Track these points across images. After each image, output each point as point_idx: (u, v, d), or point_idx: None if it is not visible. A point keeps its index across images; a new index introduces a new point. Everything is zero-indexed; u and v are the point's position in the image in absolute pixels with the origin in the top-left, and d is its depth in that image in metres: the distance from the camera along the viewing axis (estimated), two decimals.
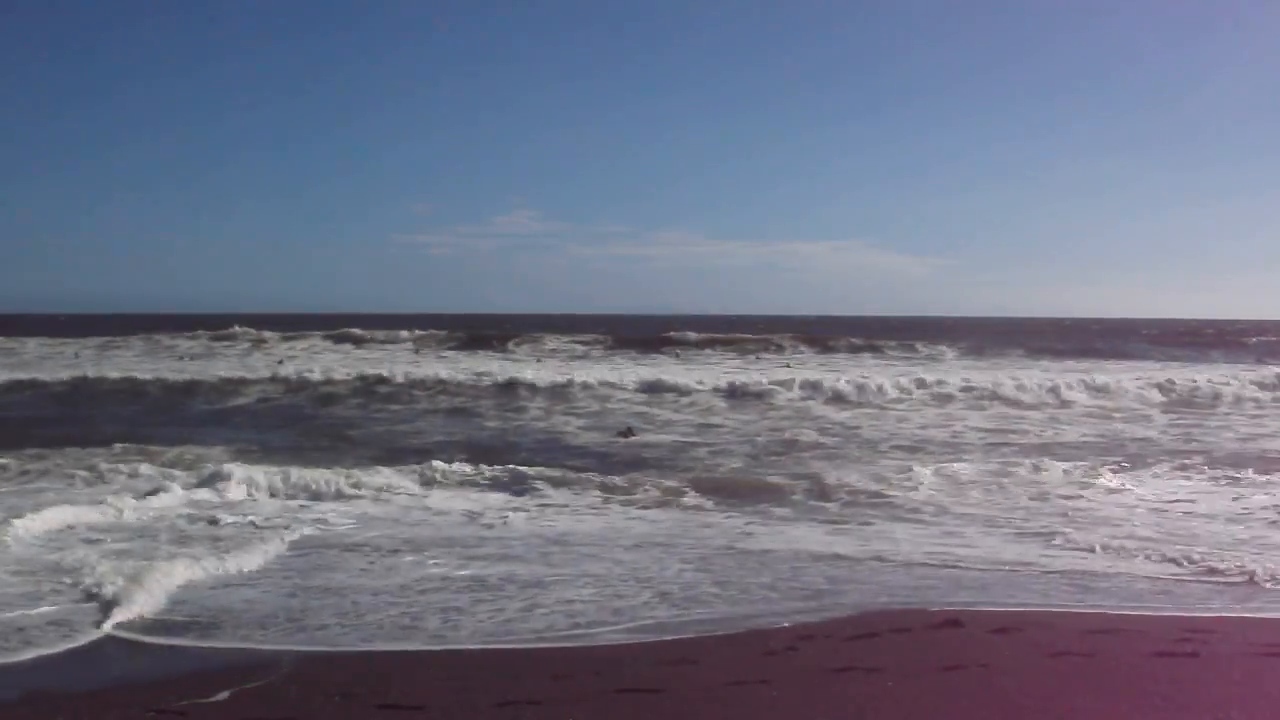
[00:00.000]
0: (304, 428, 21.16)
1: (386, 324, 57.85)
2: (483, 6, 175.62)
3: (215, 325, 52.88)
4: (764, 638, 7.09)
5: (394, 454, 16.58)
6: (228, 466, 13.68)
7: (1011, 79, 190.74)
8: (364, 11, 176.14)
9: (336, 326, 52.13)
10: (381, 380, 27.83)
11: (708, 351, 46.02)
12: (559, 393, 26.10)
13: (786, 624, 7.50)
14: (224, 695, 6.06)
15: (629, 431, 19.20)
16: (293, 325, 53.04)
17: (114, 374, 29.50)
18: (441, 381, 27.63)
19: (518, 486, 13.41)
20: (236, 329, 50.38)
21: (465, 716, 5.68)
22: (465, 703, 5.86)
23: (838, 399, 25.66)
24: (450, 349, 46.62)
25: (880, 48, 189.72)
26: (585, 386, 26.53)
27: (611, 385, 26.66)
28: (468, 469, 14.26)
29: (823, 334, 53.17)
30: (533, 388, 26.62)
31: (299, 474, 13.33)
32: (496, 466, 14.47)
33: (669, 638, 7.23)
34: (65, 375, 29.14)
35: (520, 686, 6.09)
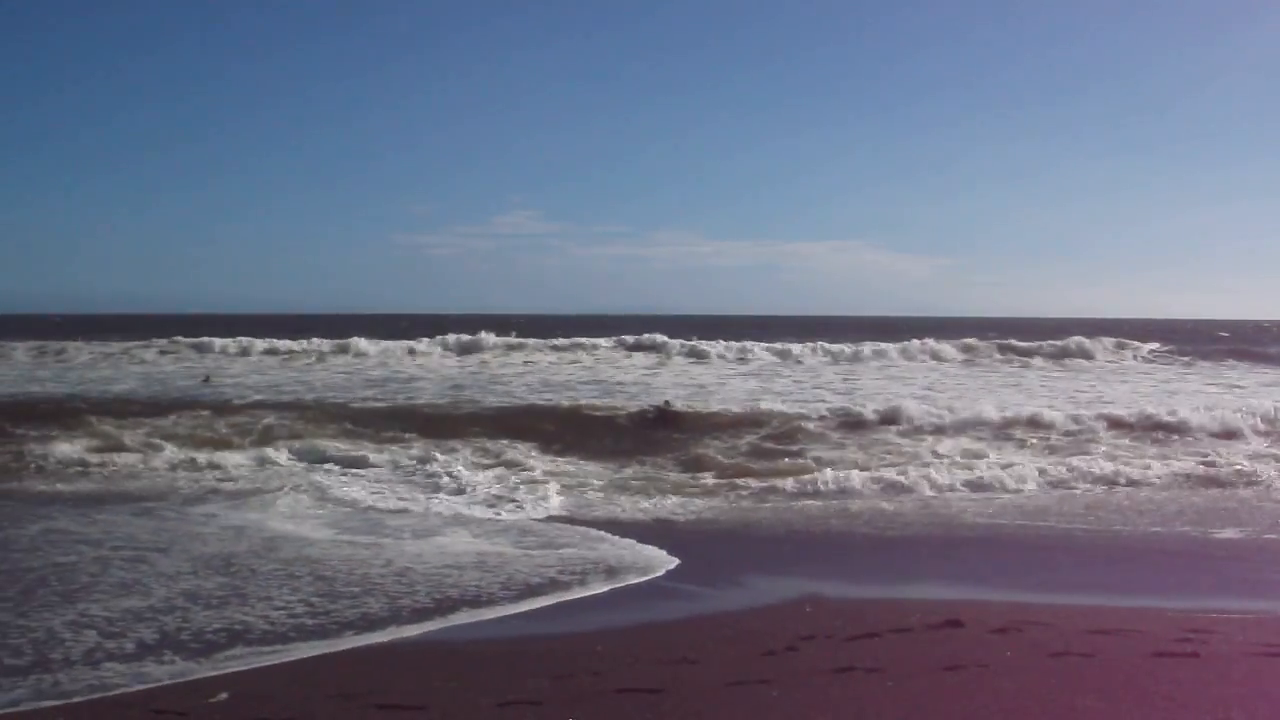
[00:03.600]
0: None
1: (389, 325, 57.65)
2: (482, 7, 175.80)
3: (219, 326, 52.59)
4: (764, 638, 7.09)
5: None
6: None
7: (1011, 80, 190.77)
8: (364, 12, 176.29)
9: (340, 327, 51.73)
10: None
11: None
12: None
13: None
14: (224, 695, 6.07)
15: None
16: (295, 326, 52.68)
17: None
18: None
19: None
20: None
21: (465, 716, 5.69)
22: (465, 703, 5.87)
23: None
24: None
25: (880, 48, 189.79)
26: None
27: None
28: None
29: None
30: None
31: None
32: None
33: (670, 637, 7.23)
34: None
35: (520, 686, 6.10)
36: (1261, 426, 18.18)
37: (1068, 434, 18.01)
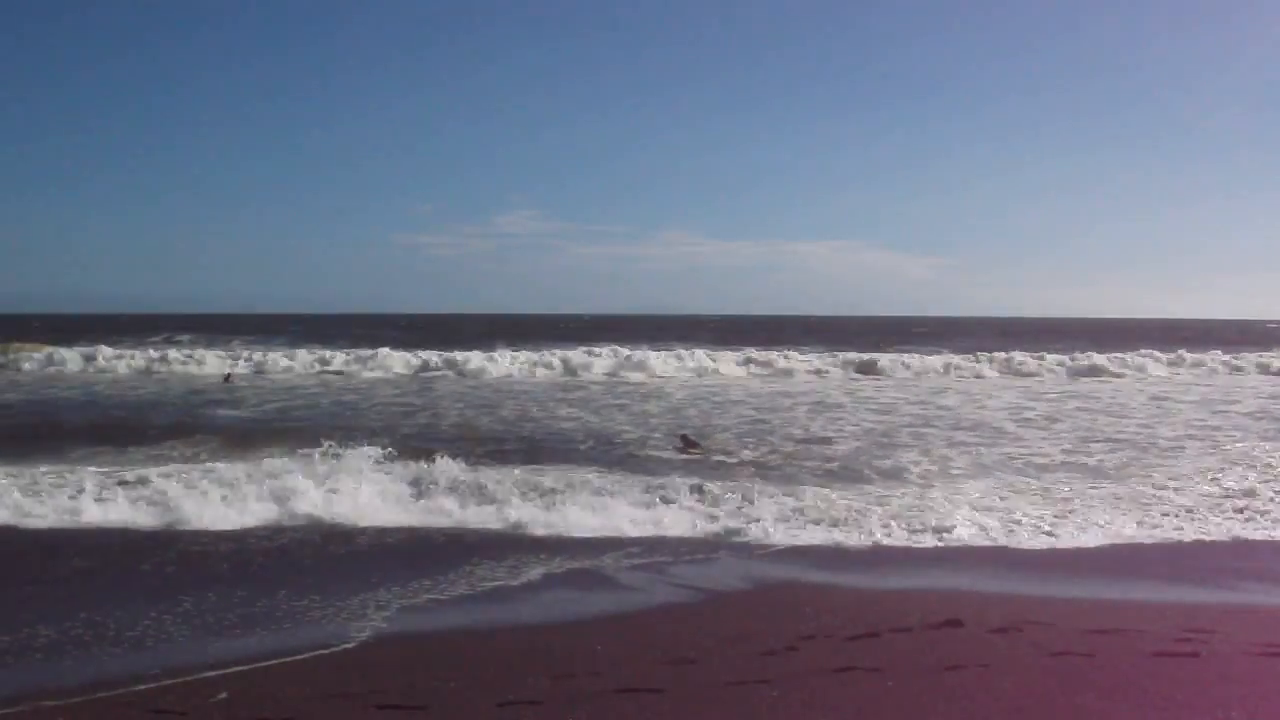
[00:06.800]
0: None
1: (388, 324, 57.48)
2: (484, 8, 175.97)
3: (221, 325, 52.31)
4: (764, 638, 7.10)
5: None
6: None
7: (1012, 79, 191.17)
8: (365, 13, 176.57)
9: (339, 327, 51.56)
10: None
11: None
12: None
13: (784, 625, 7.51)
14: (224, 695, 6.07)
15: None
16: (294, 325, 52.50)
17: None
18: None
19: None
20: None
21: (465, 716, 5.69)
22: (465, 703, 5.87)
23: None
24: None
25: (881, 49, 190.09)
26: None
27: None
28: None
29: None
30: None
31: None
32: None
33: (670, 637, 7.24)
34: None
35: (520, 686, 6.10)
36: None
37: None
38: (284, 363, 37.64)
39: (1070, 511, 11.86)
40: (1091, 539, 10.64)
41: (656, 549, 10.16)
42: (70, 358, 38.09)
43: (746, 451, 16.86)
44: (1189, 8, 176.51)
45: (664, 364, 37.24)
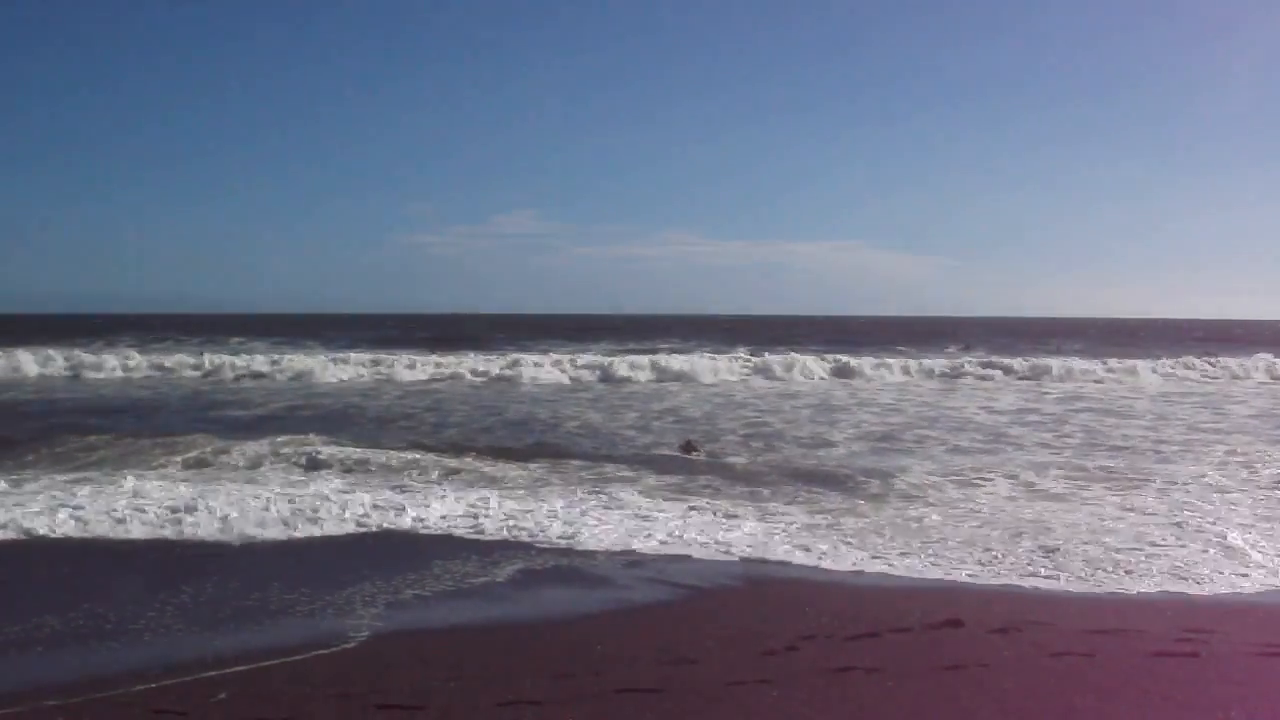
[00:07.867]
0: None
1: (388, 324, 57.50)
2: (484, 8, 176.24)
3: (223, 325, 52.23)
4: (764, 638, 7.09)
5: None
6: None
7: (1011, 80, 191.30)
8: (367, 13, 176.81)
9: (341, 326, 51.39)
10: None
11: None
12: None
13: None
14: (224, 695, 6.07)
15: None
16: (295, 326, 52.44)
17: None
18: None
19: None
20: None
21: (465, 716, 5.69)
22: (465, 703, 5.87)
23: None
24: None
25: (880, 49, 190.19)
26: None
27: None
28: None
29: None
30: None
31: None
32: None
33: (670, 637, 7.24)
34: None
35: (520, 686, 6.10)
36: None
37: None
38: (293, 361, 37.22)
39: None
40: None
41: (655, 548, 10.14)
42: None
43: (747, 455, 16.87)
44: (1195, 12, 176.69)
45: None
